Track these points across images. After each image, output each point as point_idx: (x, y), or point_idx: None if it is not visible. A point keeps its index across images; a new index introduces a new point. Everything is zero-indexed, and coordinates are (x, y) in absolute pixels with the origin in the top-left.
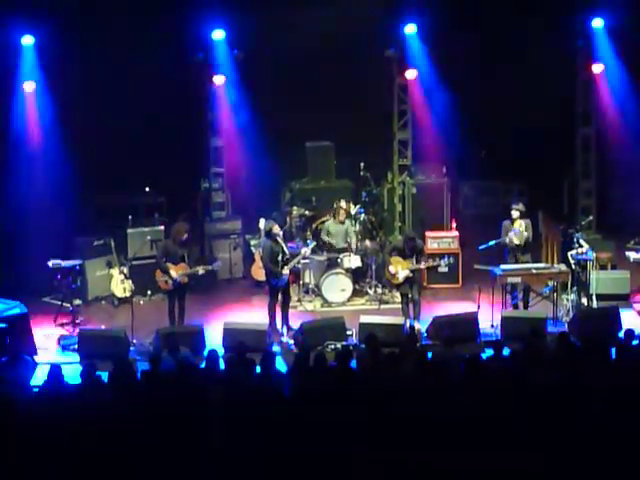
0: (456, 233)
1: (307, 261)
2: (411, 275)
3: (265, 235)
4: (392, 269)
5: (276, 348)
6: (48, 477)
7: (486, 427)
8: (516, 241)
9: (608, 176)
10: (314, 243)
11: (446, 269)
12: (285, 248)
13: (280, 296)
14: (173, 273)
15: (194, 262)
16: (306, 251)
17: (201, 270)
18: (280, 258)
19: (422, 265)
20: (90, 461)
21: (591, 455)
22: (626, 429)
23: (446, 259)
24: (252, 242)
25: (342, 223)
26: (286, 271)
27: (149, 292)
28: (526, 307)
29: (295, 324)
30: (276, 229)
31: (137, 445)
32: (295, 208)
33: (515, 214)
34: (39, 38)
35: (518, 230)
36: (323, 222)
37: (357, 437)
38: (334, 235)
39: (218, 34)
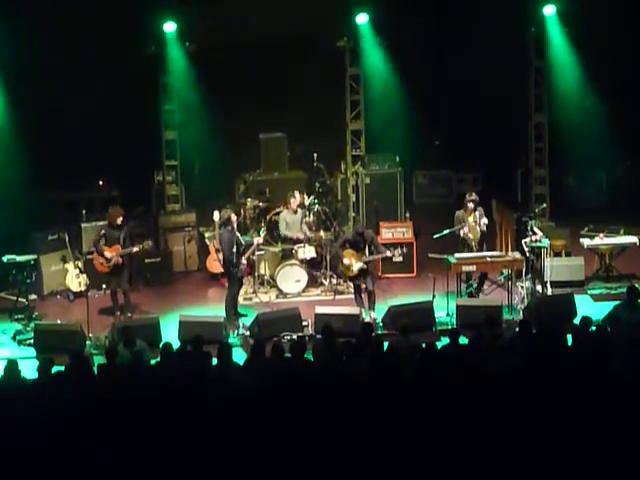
0: (410, 223)
1: (262, 252)
2: (365, 267)
3: (223, 224)
4: (346, 261)
5: (232, 340)
6: (6, 473)
7: (445, 415)
8: (471, 235)
9: (562, 163)
10: (265, 232)
11: (400, 259)
12: (240, 238)
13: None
14: (107, 254)
15: (131, 244)
16: (259, 240)
17: (135, 249)
18: (235, 249)
19: (376, 256)
20: (47, 455)
21: (553, 440)
22: (584, 413)
23: (400, 249)
24: (206, 234)
25: (295, 212)
26: (244, 261)
27: (104, 286)
28: (478, 295)
29: (249, 314)
30: (234, 217)
31: (94, 439)
32: (249, 200)
33: (470, 205)
34: None
35: (471, 224)
36: (277, 213)
37: (313, 427)
38: (291, 226)
39: (170, 27)
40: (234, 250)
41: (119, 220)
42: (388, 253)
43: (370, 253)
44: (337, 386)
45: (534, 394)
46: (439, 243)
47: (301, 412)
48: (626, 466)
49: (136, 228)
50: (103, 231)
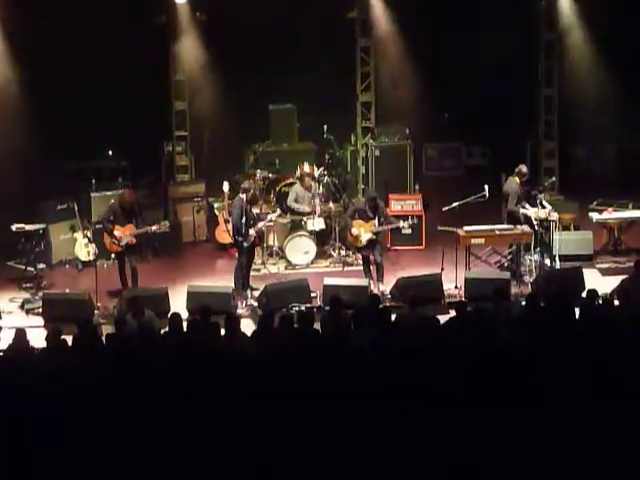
0: (419, 195)
1: (271, 224)
2: (374, 238)
3: (241, 191)
4: (354, 231)
5: (240, 311)
6: (14, 441)
7: (451, 387)
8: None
9: (571, 137)
10: (279, 212)
11: (409, 231)
12: (252, 212)
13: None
14: (117, 234)
15: (144, 223)
16: (273, 217)
17: (154, 227)
18: (244, 220)
19: (385, 227)
20: (55, 424)
21: (559, 414)
22: (592, 387)
23: (409, 220)
24: (216, 205)
25: (309, 190)
26: (252, 232)
27: (112, 256)
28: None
29: (259, 286)
30: (252, 190)
31: (103, 408)
32: (258, 171)
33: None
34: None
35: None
36: (287, 185)
37: (322, 399)
38: (301, 199)
39: None
40: (243, 221)
41: (128, 204)
42: (401, 223)
43: (380, 224)
44: (344, 357)
45: (541, 366)
46: (448, 215)
47: (309, 383)
48: (631, 440)
49: (145, 198)
50: (112, 210)
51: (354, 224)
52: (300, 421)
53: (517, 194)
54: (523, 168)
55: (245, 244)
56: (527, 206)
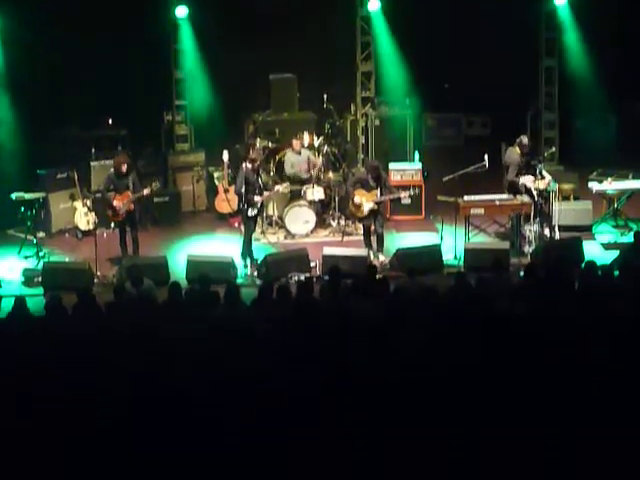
0: (419, 165)
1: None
2: (376, 208)
3: (248, 160)
4: (357, 201)
5: (240, 280)
6: (14, 408)
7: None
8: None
9: (572, 108)
10: (287, 184)
11: (409, 201)
12: (258, 181)
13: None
14: (116, 203)
15: (141, 188)
16: (279, 188)
17: (146, 191)
18: (244, 189)
19: (387, 197)
20: (55, 392)
21: (558, 385)
22: (590, 358)
23: (410, 190)
24: (215, 174)
25: (299, 153)
26: (258, 198)
27: (112, 224)
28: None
29: (258, 256)
30: (258, 161)
31: (102, 376)
32: (258, 140)
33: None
34: None
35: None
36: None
37: (322, 368)
38: (296, 165)
39: None
40: (242, 190)
41: (124, 167)
42: (402, 194)
43: (382, 194)
44: (343, 327)
45: (540, 336)
46: (448, 185)
47: (307, 352)
48: (630, 406)
49: (145, 167)
50: (110, 180)
51: (356, 194)
52: (299, 390)
53: (518, 165)
54: (524, 139)
55: (250, 212)
56: (527, 177)
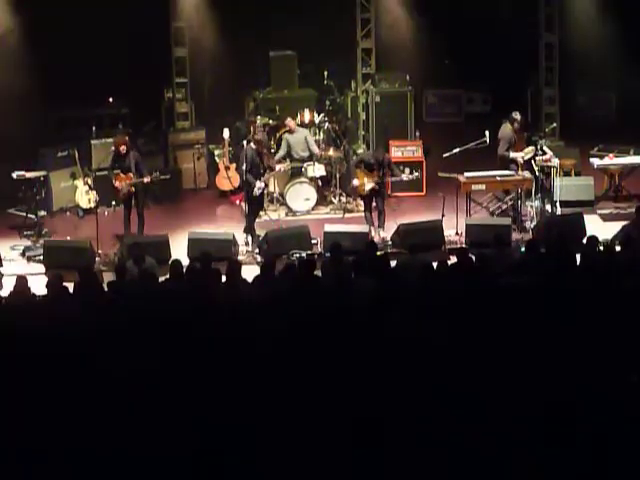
0: (419, 141)
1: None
2: (377, 188)
3: (252, 142)
4: (357, 181)
5: (242, 257)
6: (16, 387)
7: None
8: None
9: (572, 83)
10: (288, 162)
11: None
12: (256, 159)
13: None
14: (118, 184)
15: (146, 170)
16: (282, 168)
17: (146, 179)
18: (245, 167)
19: (387, 179)
20: (57, 371)
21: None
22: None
23: (412, 174)
24: (216, 152)
25: (292, 132)
26: (259, 184)
27: (114, 203)
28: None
29: (260, 233)
30: (262, 142)
31: (105, 355)
32: (259, 117)
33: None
34: None
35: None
36: (287, 131)
37: (323, 345)
38: (294, 146)
39: None
40: (244, 168)
41: (122, 149)
42: (404, 177)
43: (383, 175)
44: (345, 303)
45: (542, 311)
46: (449, 162)
47: (310, 329)
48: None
49: (145, 145)
50: (114, 159)
51: (358, 173)
52: (300, 367)
53: (509, 140)
54: (515, 115)
55: (251, 192)
56: (517, 153)
